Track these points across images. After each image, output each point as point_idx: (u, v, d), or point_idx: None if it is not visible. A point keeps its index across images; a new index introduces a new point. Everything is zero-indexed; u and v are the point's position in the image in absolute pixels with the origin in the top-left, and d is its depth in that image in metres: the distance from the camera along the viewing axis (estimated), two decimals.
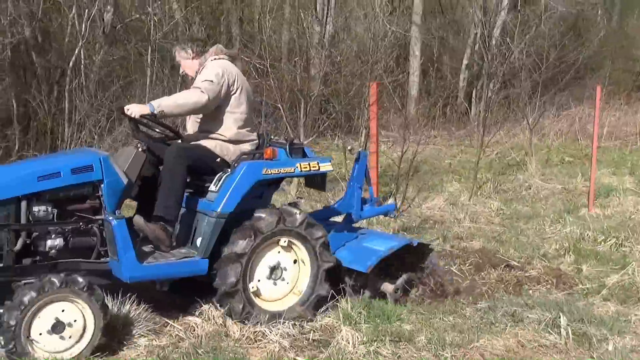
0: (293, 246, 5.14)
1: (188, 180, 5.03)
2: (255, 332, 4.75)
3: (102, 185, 4.60)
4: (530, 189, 10.60)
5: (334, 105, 13.17)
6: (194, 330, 4.78)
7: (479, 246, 7.51)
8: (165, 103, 4.93)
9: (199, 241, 4.86)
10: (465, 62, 18.46)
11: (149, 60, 13.62)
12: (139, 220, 4.77)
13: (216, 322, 4.85)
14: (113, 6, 14.36)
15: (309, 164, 5.22)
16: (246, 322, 4.84)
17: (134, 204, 5.35)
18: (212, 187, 4.98)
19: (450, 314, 5.37)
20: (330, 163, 5.38)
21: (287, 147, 5.26)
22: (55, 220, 4.55)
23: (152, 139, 5.10)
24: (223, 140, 5.15)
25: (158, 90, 13.34)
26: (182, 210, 5.06)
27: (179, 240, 5.02)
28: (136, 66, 13.80)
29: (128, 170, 4.75)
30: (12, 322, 4.08)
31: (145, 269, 4.63)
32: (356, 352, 4.44)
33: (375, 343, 4.56)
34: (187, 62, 5.36)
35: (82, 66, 13.35)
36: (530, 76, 15.56)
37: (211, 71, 5.11)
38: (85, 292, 4.28)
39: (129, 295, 4.83)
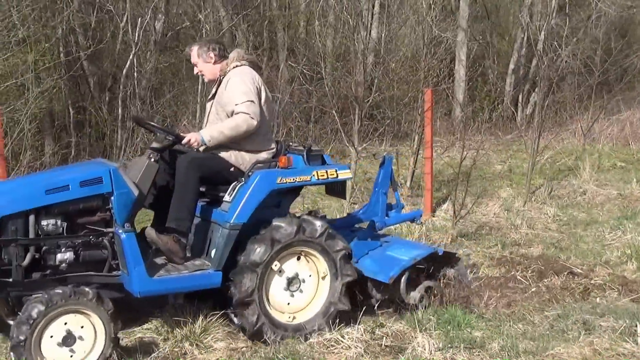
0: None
1: (203, 189, 4.98)
2: (329, 338, 4.81)
3: (112, 198, 4.54)
4: (585, 194, 10.49)
5: (383, 111, 13.27)
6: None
7: (539, 253, 7.48)
8: (216, 136, 4.90)
9: (213, 252, 4.78)
10: (511, 66, 18.33)
11: None
12: (150, 232, 4.73)
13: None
14: (164, 14, 14.63)
15: (327, 172, 5.06)
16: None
17: (152, 213, 5.28)
18: (226, 197, 4.89)
19: (519, 322, 5.38)
20: (349, 170, 5.25)
21: (305, 154, 5.14)
22: (64, 233, 4.51)
23: (168, 148, 4.98)
24: (239, 150, 5.05)
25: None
26: (197, 220, 5.02)
27: (195, 251, 4.96)
28: (188, 73, 14.00)
29: (140, 181, 4.68)
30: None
31: (156, 283, 4.55)
32: (432, 358, 4.48)
33: (451, 350, 4.60)
34: (207, 66, 5.23)
35: (135, 73, 13.66)
36: (579, 80, 15.40)
37: (245, 87, 4.97)
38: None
39: (205, 300, 4.93)
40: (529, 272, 6.65)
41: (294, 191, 5.26)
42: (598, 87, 15.61)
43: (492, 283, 6.38)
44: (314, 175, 4.99)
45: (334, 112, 9.98)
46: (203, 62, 5.23)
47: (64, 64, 12.61)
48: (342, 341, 4.74)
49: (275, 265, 4.86)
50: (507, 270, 6.78)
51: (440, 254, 5.55)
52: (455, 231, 8.12)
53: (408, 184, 10.69)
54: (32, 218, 4.41)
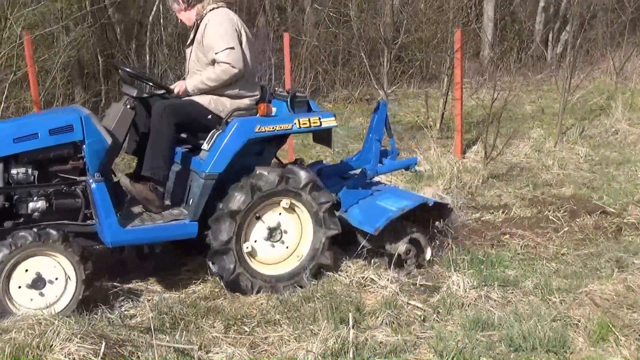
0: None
1: (185, 136, 4.88)
2: (364, 277, 4.91)
3: (84, 146, 4.44)
4: (617, 134, 10.36)
5: (411, 53, 13.11)
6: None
7: (570, 193, 7.47)
8: (200, 86, 4.81)
9: (191, 202, 4.68)
10: (541, 4, 17.89)
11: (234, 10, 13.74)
12: (125, 181, 4.66)
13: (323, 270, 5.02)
14: None
15: (309, 120, 4.86)
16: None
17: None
18: (204, 145, 4.76)
19: (552, 260, 5.43)
20: (333, 118, 4.98)
21: (289, 100, 4.93)
22: (36, 182, 4.43)
23: (147, 94, 4.90)
24: (220, 95, 4.89)
25: None
26: (178, 167, 4.91)
27: (175, 199, 4.85)
28: None
29: (115, 128, 4.59)
30: None
31: (128, 233, 4.45)
32: (467, 296, 4.56)
33: (485, 288, 4.67)
34: (182, 13, 5.01)
35: (160, 20, 13.63)
36: (611, 17, 15.02)
37: (224, 31, 4.76)
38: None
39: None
40: (561, 212, 6.67)
41: (279, 139, 5.08)
42: (631, 23, 15.23)
43: (524, 223, 6.41)
44: (295, 123, 4.82)
45: (362, 54, 9.87)
46: (179, 10, 5.03)
47: (91, 13, 12.62)
48: (376, 281, 4.82)
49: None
50: (539, 211, 6.79)
51: (430, 204, 5.29)
52: (486, 172, 8.13)
53: (437, 126, 10.65)
54: (0, 166, 4.35)
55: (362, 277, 4.91)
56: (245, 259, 4.72)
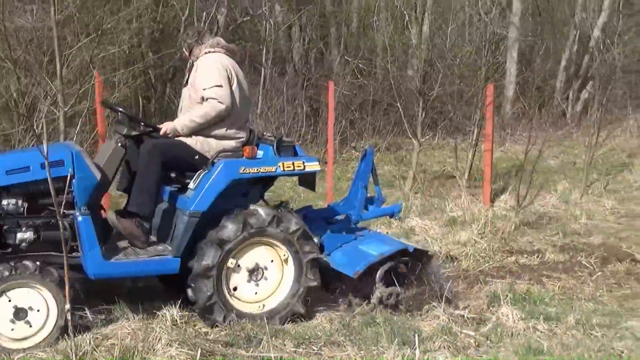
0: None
1: (173, 175, 4.99)
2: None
3: (73, 181, 4.55)
4: None
5: (438, 105, 13.64)
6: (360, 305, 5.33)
7: (599, 242, 7.83)
8: (188, 124, 4.96)
9: (175, 238, 4.80)
10: (563, 63, 18.52)
11: (263, 59, 14.40)
12: (111, 216, 4.78)
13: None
14: (227, 8, 15.17)
15: (293, 164, 5.00)
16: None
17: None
18: (190, 185, 4.89)
19: (589, 301, 5.77)
20: (317, 163, 5.13)
21: (275, 144, 5.08)
22: (25, 213, 4.56)
23: (139, 134, 5.01)
24: (206, 136, 5.03)
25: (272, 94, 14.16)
26: (165, 206, 5.05)
27: (161, 236, 4.96)
28: (250, 66, 14.51)
29: (105, 165, 4.77)
30: None
31: (111, 267, 4.56)
32: (516, 326, 4.91)
33: (532, 320, 5.03)
34: (186, 52, 5.26)
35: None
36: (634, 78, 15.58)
37: (212, 72, 4.97)
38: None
39: None
40: (593, 258, 7.04)
41: (266, 181, 5.23)
42: None
43: (558, 267, 6.79)
44: (279, 166, 4.95)
45: (398, 104, 10.39)
46: (185, 49, 5.31)
47: (133, 58, 13.23)
48: (430, 311, 5.18)
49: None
50: (572, 256, 7.17)
51: (410, 250, 5.37)
52: (517, 219, 8.51)
53: (466, 175, 11.08)
54: None
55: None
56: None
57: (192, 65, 5.23)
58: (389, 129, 13.87)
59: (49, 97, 9.37)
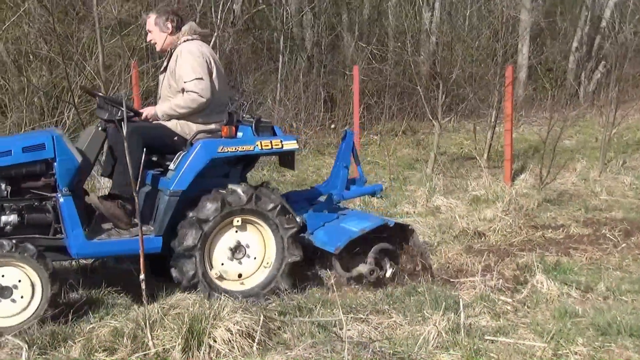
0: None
1: (155, 159, 5.13)
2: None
3: (55, 163, 4.66)
4: None
5: (455, 88, 13.86)
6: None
7: (621, 216, 8.08)
8: (169, 112, 5.09)
9: (157, 218, 4.92)
10: (575, 44, 18.66)
11: (281, 48, 14.63)
12: (93, 197, 4.89)
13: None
14: None
15: (271, 142, 5.10)
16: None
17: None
18: (171, 166, 5.00)
19: (616, 270, 6.03)
20: (295, 141, 5.25)
21: (253, 125, 5.19)
22: (9, 197, 4.67)
23: (120, 118, 4.99)
24: (186, 120, 5.14)
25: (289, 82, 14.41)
26: (148, 188, 5.15)
27: (144, 219, 4.97)
28: (270, 55, 14.76)
29: (87, 148, 4.87)
30: None
31: (94, 246, 4.69)
32: (550, 293, 5.18)
33: (565, 287, 5.29)
34: (162, 36, 5.24)
35: (217, 53, 14.45)
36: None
37: (193, 62, 5.04)
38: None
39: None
40: (616, 231, 7.27)
41: (247, 162, 5.34)
42: None
43: (583, 240, 7.05)
44: (257, 145, 5.05)
45: (418, 88, 10.63)
46: (159, 32, 5.26)
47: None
48: (467, 280, 5.46)
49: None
50: (596, 230, 7.41)
51: (390, 225, 5.52)
52: (540, 197, 8.75)
53: (485, 156, 11.31)
54: None
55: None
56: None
57: (170, 52, 5.29)
58: (407, 113, 14.09)
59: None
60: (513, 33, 11.47)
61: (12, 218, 4.63)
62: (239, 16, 15.15)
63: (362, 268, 5.43)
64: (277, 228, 5.09)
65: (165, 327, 4.06)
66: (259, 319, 4.07)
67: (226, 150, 4.96)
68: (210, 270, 4.99)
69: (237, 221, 5.00)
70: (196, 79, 5.02)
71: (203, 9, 14.13)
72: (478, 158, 10.66)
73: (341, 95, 14.90)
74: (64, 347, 4.12)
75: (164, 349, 3.94)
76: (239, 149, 5.02)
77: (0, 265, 4.35)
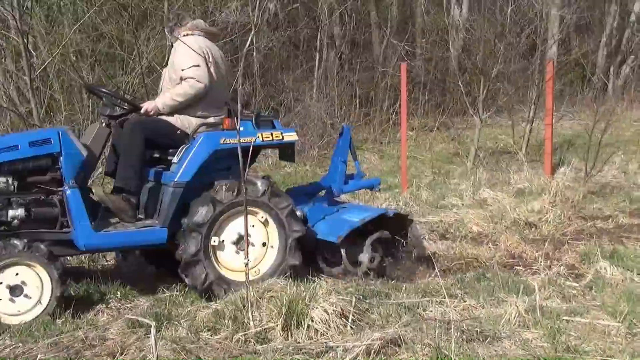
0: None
1: (157, 155, 5.20)
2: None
3: (61, 158, 4.75)
4: None
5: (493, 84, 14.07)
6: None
7: None
8: (169, 103, 5.19)
9: (161, 210, 4.96)
10: (604, 39, 18.79)
11: (318, 44, 14.90)
12: (99, 191, 5.00)
13: None
14: None
15: (272, 134, 5.20)
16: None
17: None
18: (174, 159, 5.07)
19: None
20: (294, 133, 5.32)
21: (254, 119, 5.26)
22: (16, 191, 4.74)
23: (122, 114, 5.17)
24: (187, 114, 5.23)
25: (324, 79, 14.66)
26: (151, 184, 5.17)
27: (148, 212, 5.09)
28: (308, 51, 15.01)
29: (91, 143, 4.96)
30: None
31: (101, 238, 4.75)
32: (614, 278, 5.43)
33: (628, 272, 5.54)
34: (170, 36, 5.53)
35: (254, 53, 14.75)
36: None
37: (189, 52, 5.13)
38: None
39: None
40: None
41: (248, 154, 5.10)
42: None
43: (634, 229, 7.27)
44: (258, 137, 5.12)
45: (459, 84, 10.87)
46: (168, 33, 5.60)
47: None
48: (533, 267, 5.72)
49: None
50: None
51: (390, 215, 5.66)
52: (585, 189, 8.97)
53: (524, 150, 11.53)
54: None
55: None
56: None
57: (172, 46, 5.51)
58: (442, 109, 14.32)
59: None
60: (547, 30, 11.61)
61: (20, 212, 4.70)
62: (272, 14, 15.40)
63: (362, 257, 5.60)
64: (271, 210, 5.11)
65: (261, 308, 4.34)
66: (352, 300, 4.33)
67: (228, 142, 5.03)
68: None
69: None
70: (193, 65, 5.14)
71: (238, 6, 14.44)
72: (518, 151, 10.88)
73: (374, 92, 15.16)
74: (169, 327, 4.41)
75: (264, 328, 4.22)
76: (241, 141, 4.95)
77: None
